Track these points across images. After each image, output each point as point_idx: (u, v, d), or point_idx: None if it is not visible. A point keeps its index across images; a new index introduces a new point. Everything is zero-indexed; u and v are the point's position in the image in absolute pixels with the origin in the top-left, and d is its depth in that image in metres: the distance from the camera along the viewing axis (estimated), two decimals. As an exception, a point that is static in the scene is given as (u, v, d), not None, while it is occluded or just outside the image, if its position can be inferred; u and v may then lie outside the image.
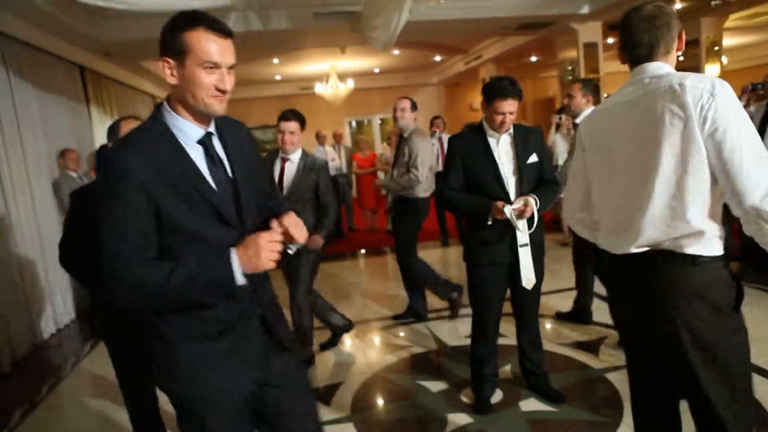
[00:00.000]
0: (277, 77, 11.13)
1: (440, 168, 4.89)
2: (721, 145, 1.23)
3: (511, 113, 2.27)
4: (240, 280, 1.21)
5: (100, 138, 5.73)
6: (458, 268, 4.87)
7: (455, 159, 2.40)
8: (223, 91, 1.23)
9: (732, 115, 1.24)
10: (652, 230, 1.34)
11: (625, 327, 1.52)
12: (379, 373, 3.08)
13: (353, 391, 2.88)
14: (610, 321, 3.51)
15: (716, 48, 7.48)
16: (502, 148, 2.34)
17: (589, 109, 3.45)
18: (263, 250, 1.22)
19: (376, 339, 3.63)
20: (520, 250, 2.34)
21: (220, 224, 1.26)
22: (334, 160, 7.14)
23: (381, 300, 4.40)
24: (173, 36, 1.19)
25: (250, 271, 1.22)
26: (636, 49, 1.41)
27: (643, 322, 1.41)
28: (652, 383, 1.49)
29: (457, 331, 3.51)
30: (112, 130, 1.96)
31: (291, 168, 2.98)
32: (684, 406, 1.46)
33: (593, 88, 3.30)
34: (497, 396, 2.61)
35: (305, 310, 3.06)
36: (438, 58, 10.37)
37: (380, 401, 2.81)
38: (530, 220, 2.30)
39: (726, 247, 1.35)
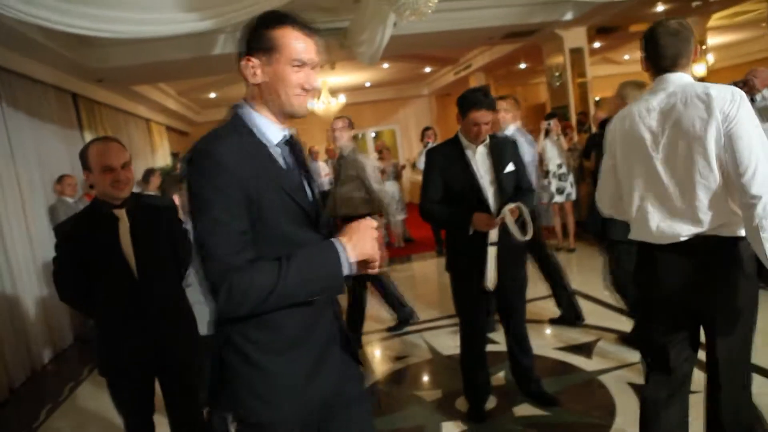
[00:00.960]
0: None
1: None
2: (736, 144, 1.48)
3: (486, 124, 2.30)
4: (347, 270, 1.15)
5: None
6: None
7: (433, 172, 2.43)
8: (308, 90, 1.21)
9: (747, 120, 1.49)
10: (700, 219, 1.57)
11: (669, 301, 1.69)
12: (374, 384, 3.10)
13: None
14: (603, 323, 3.61)
15: (702, 47, 7.56)
16: (479, 159, 2.37)
17: (514, 125, 3.51)
18: (367, 235, 1.17)
19: (371, 351, 3.65)
20: (489, 249, 2.35)
21: (307, 229, 1.23)
22: (327, 175, 7.19)
23: (376, 311, 4.41)
24: (259, 34, 1.18)
25: (358, 258, 1.16)
26: (661, 60, 1.65)
27: (694, 293, 1.63)
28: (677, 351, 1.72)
29: (452, 341, 3.53)
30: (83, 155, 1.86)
31: None
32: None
33: (516, 105, 3.49)
34: (491, 403, 2.63)
35: None
36: (428, 70, 10.46)
37: (376, 413, 2.82)
38: (524, 227, 2.31)
39: None
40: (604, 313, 3.63)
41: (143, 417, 1.96)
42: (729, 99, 1.49)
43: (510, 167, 2.40)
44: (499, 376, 2.89)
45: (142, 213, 1.93)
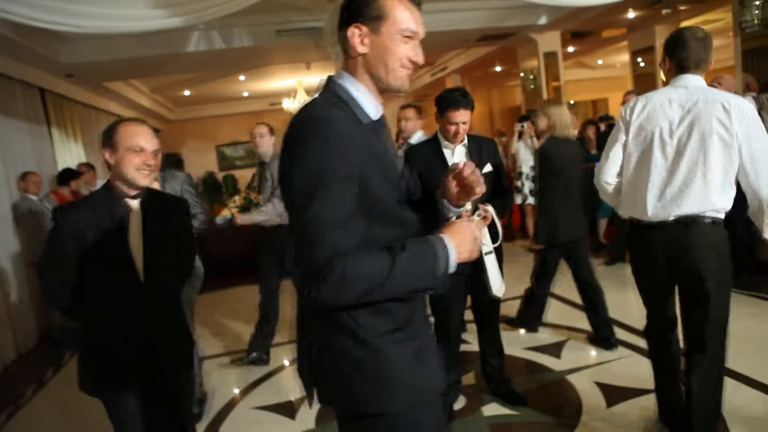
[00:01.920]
0: (245, 94, 11.08)
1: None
2: (750, 152, 1.78)
3: (464, 123, 2.30)
4: (452, 268, 1.09)
5: (63, 160, 5.67)
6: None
7: (412, 171, 2.43)
8: (414, 64, 1.14)
9: (759, 131, 1.79)
10: (692, 204, 1.85)
11: (660, 272, 1.98)
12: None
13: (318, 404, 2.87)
14: (573, 323, 3.65)
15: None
16: (457, 159, 2.37)
17: (419, 132, 3.56)
18: (470, 236, 1.11)
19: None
20: (485, 259, 2.34)
21: (404, 209, 1.17)
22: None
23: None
24: (367, 1, 1.10)
25: (461, 261, 1.10)
26: (686, 61, 1.86)
27: (678, 266, 1.92)
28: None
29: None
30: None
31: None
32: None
33: (419, 114, 3.61)
34: (460, 402, 2.64)
35: None
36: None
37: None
38: (494, 233, 2.27)
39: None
40: (574, 313, 3.67)
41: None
42: (746, 111, 1.76)
43: (488, 168, 2.39)
44: (469, 376, 2.90)
45: (157, 208, 1.73)
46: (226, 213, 3.30)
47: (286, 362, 3.42)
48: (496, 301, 2.54)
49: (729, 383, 2.28)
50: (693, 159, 1.82)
